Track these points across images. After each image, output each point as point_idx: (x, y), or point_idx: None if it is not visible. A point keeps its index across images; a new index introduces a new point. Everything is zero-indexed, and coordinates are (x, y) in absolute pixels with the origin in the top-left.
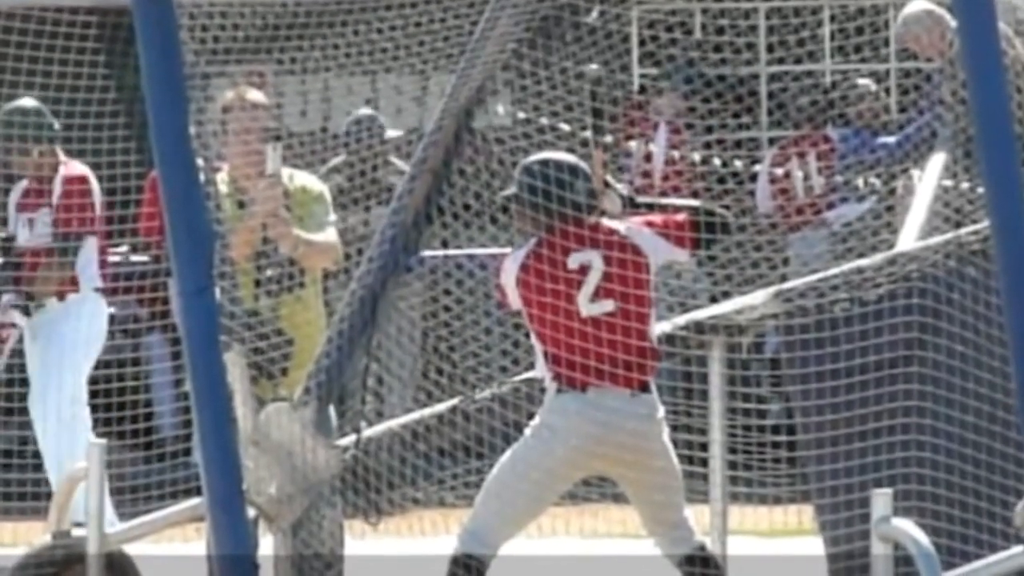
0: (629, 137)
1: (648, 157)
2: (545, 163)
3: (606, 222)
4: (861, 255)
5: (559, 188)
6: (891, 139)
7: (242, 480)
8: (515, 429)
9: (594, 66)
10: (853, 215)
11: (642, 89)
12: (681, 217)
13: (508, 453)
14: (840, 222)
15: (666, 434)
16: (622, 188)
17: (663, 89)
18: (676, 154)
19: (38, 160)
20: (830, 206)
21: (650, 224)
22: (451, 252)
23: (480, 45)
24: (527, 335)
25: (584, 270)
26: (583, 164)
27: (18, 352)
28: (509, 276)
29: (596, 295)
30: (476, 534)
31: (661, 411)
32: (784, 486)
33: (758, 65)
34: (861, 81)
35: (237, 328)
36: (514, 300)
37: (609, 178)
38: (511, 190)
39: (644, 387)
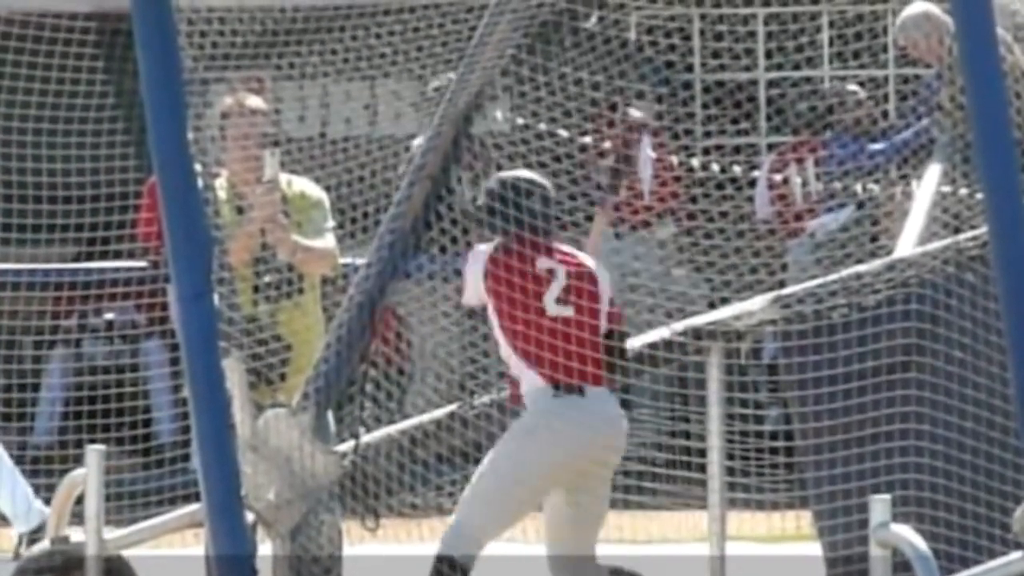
0: (627, 143)
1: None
2: (514, 179)
3: (565, 246)
4: (842, 264)
5: (528, 201)
6: (881, 144)
7: (240, 486)
8: None
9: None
10: (835, 224)
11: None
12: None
13: (493, 455)
14: (822, 231)
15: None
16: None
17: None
18: (674, 160)
19: None
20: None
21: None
22: (448, 258)
23: (479, 50)
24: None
25: (551, 275)
26: (545, 182)
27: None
28: (476, 268)
29: (559, 301)
30: (458, 532)
31: None
32: (782, 492)
33: (757, 71)
34: (850, 87)
35: (235, 334)
36: (478, 293)
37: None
38: (480, 200)
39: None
